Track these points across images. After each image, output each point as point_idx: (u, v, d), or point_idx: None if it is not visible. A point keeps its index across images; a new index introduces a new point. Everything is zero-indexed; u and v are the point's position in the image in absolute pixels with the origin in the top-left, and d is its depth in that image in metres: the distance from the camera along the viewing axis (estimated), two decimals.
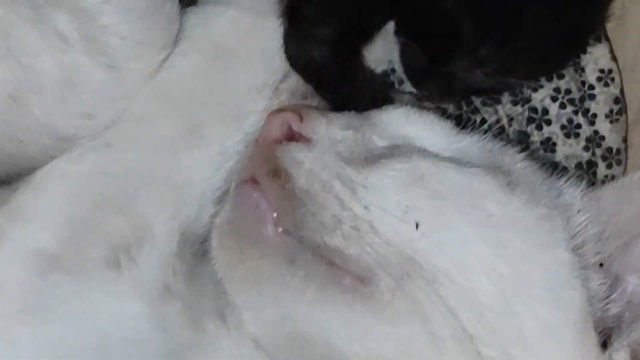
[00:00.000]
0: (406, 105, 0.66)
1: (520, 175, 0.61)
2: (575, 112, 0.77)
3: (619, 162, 0.78)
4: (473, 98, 0.76)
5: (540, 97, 0.77)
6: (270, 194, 0.57)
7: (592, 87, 0.77)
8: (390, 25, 0.68)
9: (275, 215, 0.56)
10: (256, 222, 0.57)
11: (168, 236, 0.62)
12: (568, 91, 0.77)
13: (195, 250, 0.63)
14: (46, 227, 0.61)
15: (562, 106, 0.77)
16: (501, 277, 0.54)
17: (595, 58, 0.77)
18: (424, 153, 0.60)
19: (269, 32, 0.68)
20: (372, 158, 0.59)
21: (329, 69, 0.68)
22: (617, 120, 0.78)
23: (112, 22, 0.63)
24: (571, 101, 0.77)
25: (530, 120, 0.77)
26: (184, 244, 0.62)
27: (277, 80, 0.69)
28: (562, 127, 0.77)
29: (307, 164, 0.57)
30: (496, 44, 0.64)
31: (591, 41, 0.75)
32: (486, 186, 0.58)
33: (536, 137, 0.77)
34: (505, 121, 0.76)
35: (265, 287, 0.56)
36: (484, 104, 0.76)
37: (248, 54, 0.68)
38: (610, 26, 0.76)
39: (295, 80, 0.69)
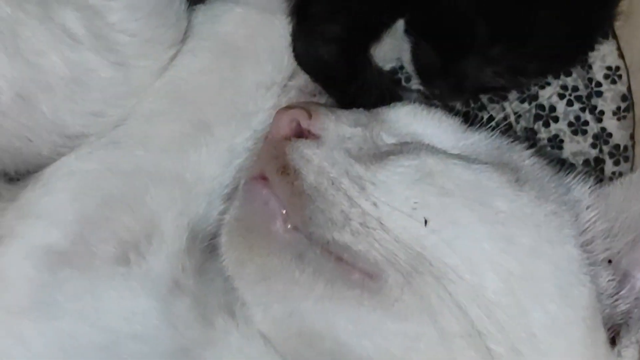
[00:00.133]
0: (414, 102, 0.66)
1: (528, 172, 0.61)
2: (583, 110, 0.77)
3: (626, 159, 0.78)
4: (480, 95, 0.76)
5: (548, 94, 0.77)
6: (279, 191, 0.57)
7: (599, 84, 0.78)
8: (399, 23, 0.68)
9: (284, 211, 0.57)
10: (265, 219, 0.57)
11: (177, 233, 0.62)
12: (575, 88, 0.77)
13: (204, 246, 0.63)
14: (55, 224, 0.61)
15: (570, 103, 0.77)
16: (510, 273, 0.54)
17: (603, 55, 0.78)
18: (432, 150, 0.60)
19: (277, 30, 0.68)
20: (380, 155, 0.59)
21: (337, 68, 0.68)
22: (624, 117, 0.78)
23: (120, 20, 0.63)
24: (578, 98, 0.77)
25: (537, 117, 0.77)
26: (193, 240, 0.63)
27: (286, 77, 0.69)
28: (570, 124, 0.77)
29: (315, 161, 0.57)
30: (508, 44, 0.65)
31: (599, 39, 0.75)
32: (494, 183, 0.58)
33: (543, 134, 0.77)
34: (512, 118, 0.76)
35: (274, 283, 0.56)
36: (491, 100, 0.76)
37: (256, 51, 0.68)
38: (617, 24, 0.76)
39: (303, 78, 0.70)
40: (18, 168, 0.65)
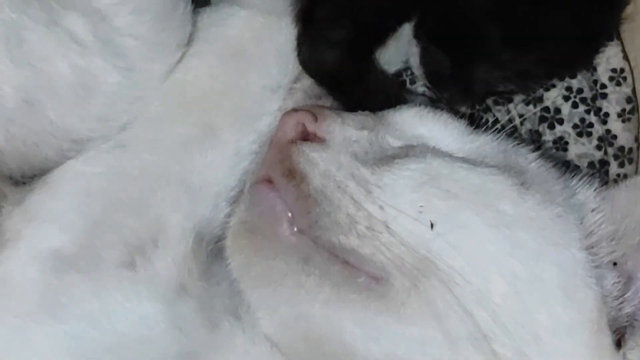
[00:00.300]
0: (419, 105, 0.66)
1: (533, 175, 0.62)
2: (588, 111, 0.77)
3: (630, 161, 0.77)
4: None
5: (553, 96, 0.77)
6: (285, 194, 0.57)
7: (604, 86, 0.77)
8: (404, 27, 0.68)
9: (290, 215, 0.57)
10: (271, 222, 0.57)
11: (183, 236, 0.62)
12: (580, 90, 0.77)
13: (210, 249, 0.63)
14: (61, 228, 0.61)
15: (575, 105, 0.77)
16: (516, 276, 0.55)
17: (607, 57, 0.77)
18: (438, 153, 0.60)
19: (283, 33, 0.68)
20: (386, 158, 0.59)
21: (341, 72, 0.68)
22: (629, 119, 0.78)
23: (126, 24, 0.63)
24: (583, 100, 0.77)
25: (542, 119, 0.77)
26: (199, 243, 0.63)
27: (291, 80, 0.69)
28: (575, 126, 0.77)
29: (321, 164, 0.57)
30: (519, 49, 0.65)
31: (604, 41, 0.75)
32: (500, 186, 0.58)
33: (548, 136, 0.77)
34: (517, 120, 0.76)
35: (280, 286, 0.57)
36: (496, 103, 0.76)
37: (262, 54, 0.68)
38: (622, 26, 0.76)
39: (309, 81, 0.69)
40: (24, 172, 0.65)
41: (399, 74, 0.75)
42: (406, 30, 0.68)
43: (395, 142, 0.62)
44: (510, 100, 0.76)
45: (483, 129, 0.65)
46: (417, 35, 0.68)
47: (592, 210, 0.62)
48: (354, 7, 0.66)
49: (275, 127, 0.64)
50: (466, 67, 0.66)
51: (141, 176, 0.63)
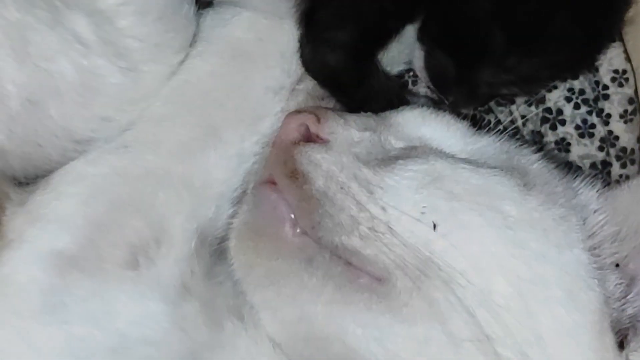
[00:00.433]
0: (422, 106, 0.66)
1: (536, 176, 0.62)
2: (590, 113, 0.77)
3: (633, 162, 0.78)
4: None
5: (555, 97, 0.77)
6: (288, 195, 0.57)
7: (606, 87, 0.78)
8: (407, 28, 0.68)
9: (293, 216, 0.57)
10: (274, 223, 0.57)
11: (186, 236, 0.62)
12: (582, 91, 0.77)
13: (213, 250, 0.64)
14: (64, 228, 0.61)
15: (577, 106, 0.77)
16: (518, 277, 0.55)
17: (609, 59, 0.78)
18: (440, 154, 0.60)
19: (286, 34, 0.68)
20: (388, 159, 0.59)
21: (344, 74, 0.68)
22: (631, 120, 0.78)
23: (129, 25, 0.63)
24: (585, 101, 0.77)
25: (544, 120, 0.77)
26: (202, 244, 0.63)
27: (294, 81, 0.69)
28: (577, 127, 0.77)
29: (324, 165, 0.58)
30: (524, 52, 0.65)
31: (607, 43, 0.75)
32: (503, 187, 0.58)
33: (550, 137, 0.77)
34: (519, 122, 0.76)
35: (282, 287, 0.57)
36: (499, 104, 0.76)
37: (265, 55, 0.68)
38: (624, 27, 0.76)
39: (312, 82, 0.70)
40: (27, 172, 0.65)
41: (401, 75, 0.75)
42: (408, 31, 0.69)
43: (397, 143, 0.62)
44: (513, 102, 0.77)
45: (485, 130, 0.65)
46: (421, 38, 0.68)
47: (595, 212, 0.62)
48: (357, 9, 0.66)
49: (278, 129, 0.64)
50: (470, 70, 0.66)
51: (144, 177, 0.63)
